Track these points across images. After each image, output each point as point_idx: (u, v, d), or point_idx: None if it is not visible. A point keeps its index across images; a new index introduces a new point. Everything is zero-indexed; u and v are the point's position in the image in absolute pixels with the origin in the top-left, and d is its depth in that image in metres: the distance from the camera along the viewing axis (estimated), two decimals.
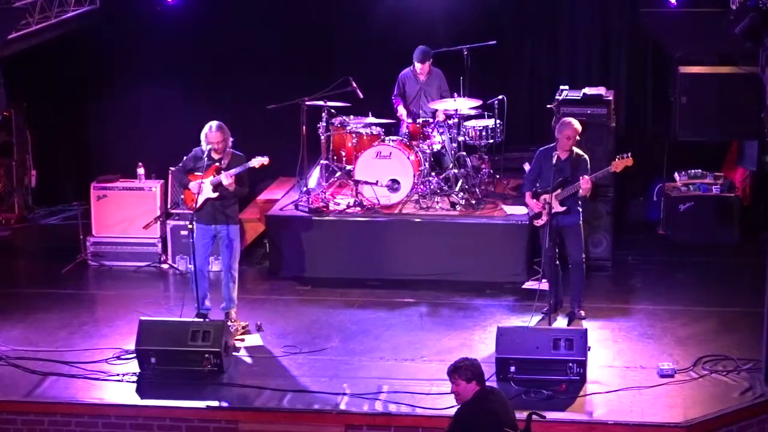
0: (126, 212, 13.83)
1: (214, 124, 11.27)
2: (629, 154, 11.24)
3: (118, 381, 10.50)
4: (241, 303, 11.77)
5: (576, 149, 11.44)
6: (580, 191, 11.29)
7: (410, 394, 10.06)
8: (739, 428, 9.73)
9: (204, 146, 11.28)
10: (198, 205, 11.25)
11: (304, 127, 13.37)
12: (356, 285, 12.91)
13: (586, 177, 11.22)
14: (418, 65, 14.03)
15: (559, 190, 11.31)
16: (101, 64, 15.95)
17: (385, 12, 15.02)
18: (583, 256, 11.69)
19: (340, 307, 12.34)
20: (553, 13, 15.37)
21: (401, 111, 14.11)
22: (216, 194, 11.23)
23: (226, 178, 11.16)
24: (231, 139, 11.37)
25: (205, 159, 11.23)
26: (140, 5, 15.30)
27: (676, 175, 14.60)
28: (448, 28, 14.93)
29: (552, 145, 11.49)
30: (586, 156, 11.54)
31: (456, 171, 13.73)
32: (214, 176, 11.20)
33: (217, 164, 11.25)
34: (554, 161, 11.28)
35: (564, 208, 11.36)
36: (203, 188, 11.20)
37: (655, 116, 15.27)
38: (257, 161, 11.30)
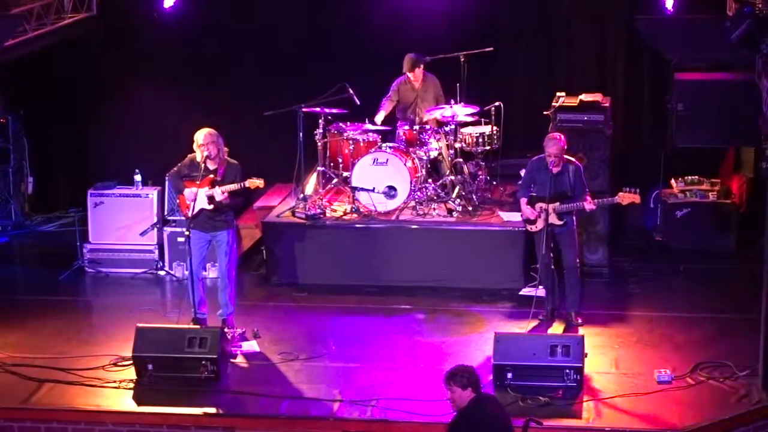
0: (123, 219, 13.83)
1: (205, 129, 11.28)
2: (637, 190, 11.21)
3: (115, 388, 10.49)
4: (238, 309, 11.77)
5: (567, 157, 11.42)
6: (584, 211, 11.31)
7: (407, 400, 10.05)
8: None
9: (198, 155, 11.26)
10: (193, 214, 11.23)
11: (300, 134, 13.37)
12: (353, 291, 12.91)
13: (591, 204, 11.22)
14: (408, 74, 14.06)
15: (557, 204, 11.30)
16: (98, 71, 15.94)
17: (383, 19, 15.03)
18: (578, 261, 11.69)
19: (337, 314, 12.34)
20: (549, 20, 15.38)
21: (377, 117, 14.06)
22: (211, 206, 11.22)
23: (219, 195, 11.15)
24: (226, 149, 11.36)
25: (201, 169, 11.20)
26: (137, 12, 15.31)
27: (672, 181, 14.62)
28: (446, 34, 14.92)
29: (543, 155, 11.47)
30: (578, 161, 11.54)
31: (453, 177, 13.73)
32: (209, 188, 11.18)
33: (212, 176, 11.22)
34: (550, 174, 11.27)
35: (562, 222, 11.37)
36: (198, 198, 11.19)
37: (652, 123, 15.27)
38: (252, 183, 11.23)
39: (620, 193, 11.28)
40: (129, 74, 15.81)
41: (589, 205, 11.25)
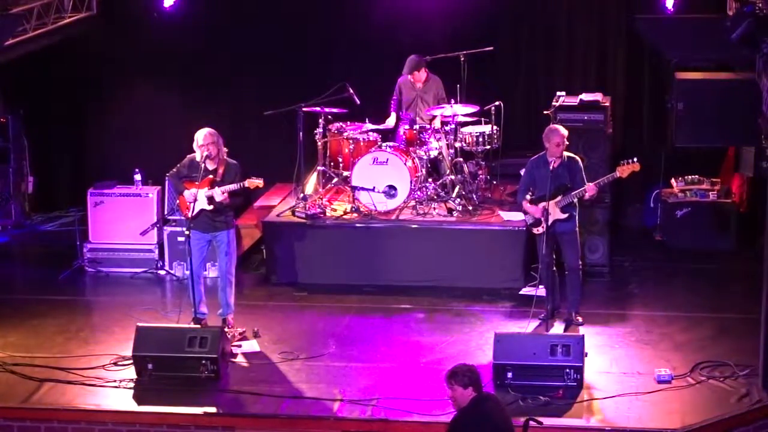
0: (123, 218, 13.82)
1: (205, 129, 11.28)
2: (635, 159, 11.20)
3: (115, 387, 10.49)
4: (238, 309, 11.77)
5: (566, 153, 11.43)
6: (585, 196, 11.28)
7: (407, 400, 10.05)
8: None
9: (197, 155, 11.26)
10: (193, 214, 11.22)
11: (300, 134, 13.37)
12: (353, 291, 12.91)
13: (592, 185, 11.21)
14: (409, 76, 14.07)
15: (559, 197, 11.29)
16: (98, 70, 15.96)
17: (383, 19, 15.03)
18: (580, 262, 11.68)
19: (337, 314, 12.33)
20: (550, 19, 15.39)
21: (389, 120, 14.15)
22: (211, 207, 11.21)
23: (219, 195, 11.14)
24: (225, 149, 11.35)
25: (201, 169, 11.20)
26: (137, 12, 15.31)
27: (673, 181, 14.63)
28: (446, 34, 14.94)
29: (542, 153, 11.48)
30: (577, 157, 11.54)
31: (453, 177, 13.73)
32: (209, 189, 11.18)
33: (212, 176, 11.21)
34: (551, 169, 11.27)
35: (566, 215, 11.35)
36: (198, 199, 11.19)
37: (652, 122, 15.28)
38: (252, 182, 11.23)
39: (619, 167, 11.26)
40: (129, 74, 15.82)
41: (590, 188, 11.22)
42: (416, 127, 13.86)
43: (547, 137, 11.36)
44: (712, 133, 12.92)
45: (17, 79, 15.31)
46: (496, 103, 13.88)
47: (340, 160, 13.81)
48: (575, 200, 11.35)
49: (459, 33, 14.89)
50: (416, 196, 13.52)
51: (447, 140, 13.84)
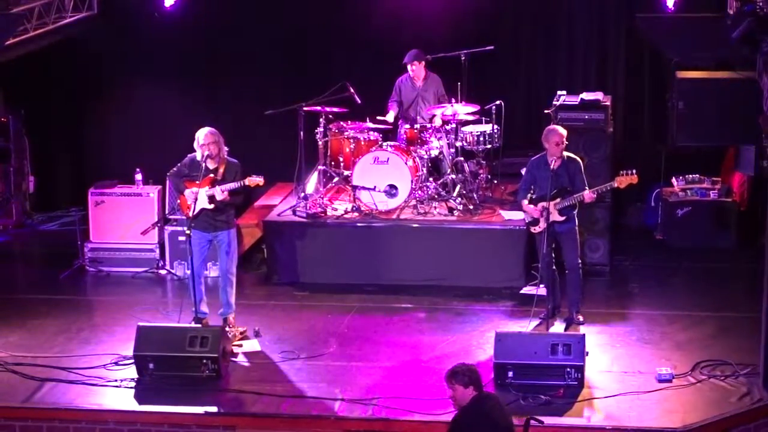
0: (124, 218, 13.83)
1: (206, 128, 11.28)
2: (634, 171, 11.19)
3: (117, 387, 10.49)
4: (239, 308, 11.77)
5: (566, 153, 11.43)
6: (584, 201, 11.29)
7: (408, 399, 10.05)
8: None
9: (198, 155, 11.26)
10: (194, 214, 11.22)
11: (301, 133, 13.38)
12: (354, 290, 12.91)
13: (590, 192, 11.20)
14: (409, 67, 14.06)
15: (558, 200, 11.28)
16: (99, 70, 15.97)
17: (383, 19, 15.03)
18: (580, 261, 11.68)
19: (338, 313, 12.33)
20: (550, 18, 15.39)
21: (388, 116, 14.13)
22: (212, 206, 11.22)
23: (220, 194, 11.15)
24: (226, 148, 11.36)
25: (202, 168, 11.20)
26: (138, 11, 15.32)
27: (673, 180, 14.63)
28: (446, 34, 14.93)
29: (543, 153, 11.47)
30: (577, 158, 11.54)
31: (454, 176, 13.73)
32: (210, 188, 11.18)
33: (212, 175, 11.22)
34: (551, 169, 11.27)
35: (564, 218, 11.35)
36: (199, 198, 11.20)
37: (652, 121, 15.29)
38: (252, 180, 11.24)
39: (617, 177, 11.27)
40: (129, 73, 15.82)
41: (588, 195, 11.23)
42: (417, 126, 13.86)
43: (546, 138, 11.36)
44: (712, 132, 12.93)
45: (17, 79, 15.32)
46: (497, 102, 13.88)
47: (341, 159, 13.81)
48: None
49: (459, 32, 14.88)
50: (417, 195, 13.52)
51: (448, 139, 13.85)
